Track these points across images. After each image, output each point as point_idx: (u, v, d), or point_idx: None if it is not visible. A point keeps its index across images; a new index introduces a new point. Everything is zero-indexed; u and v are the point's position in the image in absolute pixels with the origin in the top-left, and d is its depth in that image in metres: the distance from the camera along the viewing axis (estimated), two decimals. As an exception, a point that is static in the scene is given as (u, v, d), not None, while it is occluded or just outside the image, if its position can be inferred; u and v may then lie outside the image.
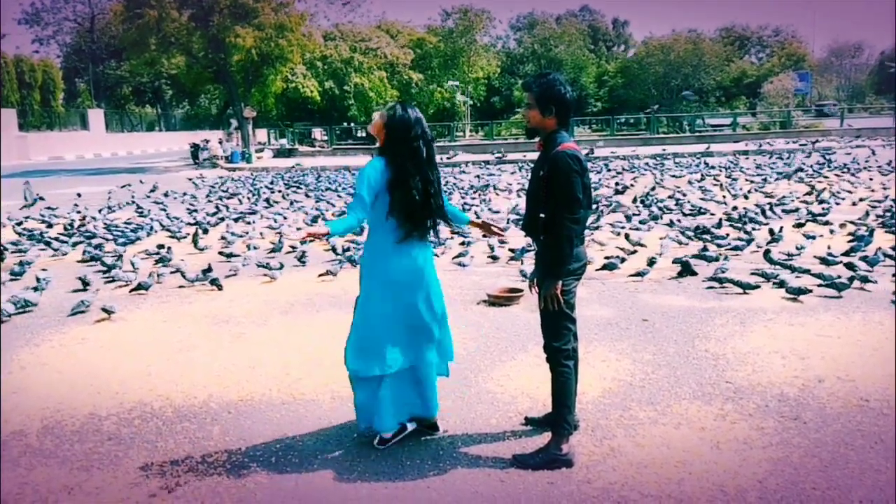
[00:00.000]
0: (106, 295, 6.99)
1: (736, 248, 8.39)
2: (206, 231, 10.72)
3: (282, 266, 7.85)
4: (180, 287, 7.32)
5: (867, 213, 10.38)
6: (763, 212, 10.91)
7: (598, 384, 4.42)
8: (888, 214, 10.35)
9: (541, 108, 3.34)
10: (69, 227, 11.45)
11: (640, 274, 7.27)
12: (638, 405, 4.11)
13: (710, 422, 3.87)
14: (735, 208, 11.65)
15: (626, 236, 9.04)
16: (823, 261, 7.46)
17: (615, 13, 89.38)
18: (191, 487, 3.29)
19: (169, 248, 9.21)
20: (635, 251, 8.36)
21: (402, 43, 43.39)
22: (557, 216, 3.27)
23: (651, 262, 7.45)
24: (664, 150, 26.63)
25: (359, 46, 40.80)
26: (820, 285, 6.49)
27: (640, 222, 10.43)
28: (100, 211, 13.84)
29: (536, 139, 3.48)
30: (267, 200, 14.98)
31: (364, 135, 33.83)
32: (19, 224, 12.05)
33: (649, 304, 6.27)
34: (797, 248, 8.05)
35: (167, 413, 4.17)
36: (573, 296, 3.45)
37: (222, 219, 12.23)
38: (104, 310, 6.19)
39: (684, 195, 13.65)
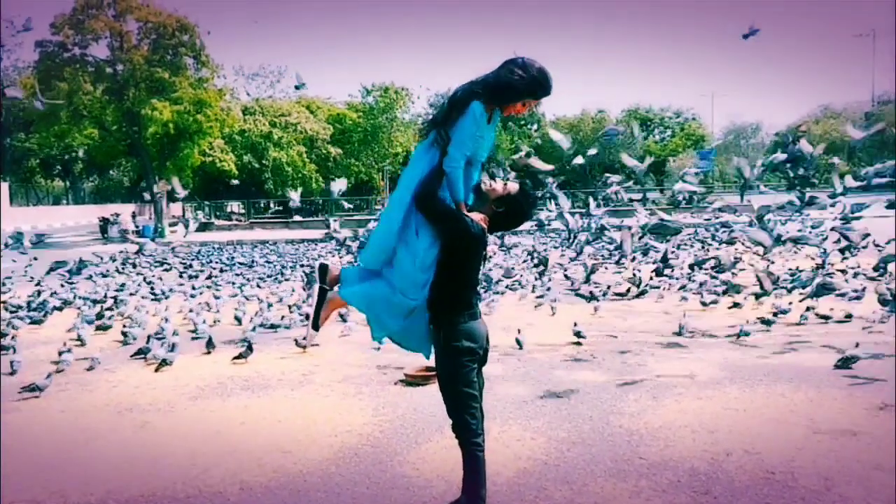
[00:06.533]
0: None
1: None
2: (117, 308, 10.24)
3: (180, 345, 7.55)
4: (84, 372, 6.95)
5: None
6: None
7: (512, 464, 4.40)
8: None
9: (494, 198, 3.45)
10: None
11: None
12: (553, 485, 4.10)
13: (625, 499, 3.89)
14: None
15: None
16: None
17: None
18: None
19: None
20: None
21: (322, 118, 43.86)
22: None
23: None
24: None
25: (278, 121, 40.99)
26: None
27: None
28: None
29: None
30: (182, 275, 14.58)
31: (280, 209, 33.55)
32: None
33: (564, 381, 6.34)
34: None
35: (59, 513, 3.89)
36: (472, 372, 3.39)
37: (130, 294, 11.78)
38: (-5, 399, 5.80)
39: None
